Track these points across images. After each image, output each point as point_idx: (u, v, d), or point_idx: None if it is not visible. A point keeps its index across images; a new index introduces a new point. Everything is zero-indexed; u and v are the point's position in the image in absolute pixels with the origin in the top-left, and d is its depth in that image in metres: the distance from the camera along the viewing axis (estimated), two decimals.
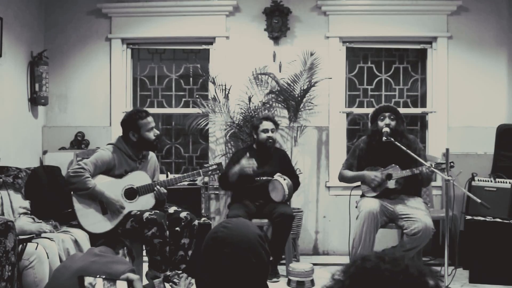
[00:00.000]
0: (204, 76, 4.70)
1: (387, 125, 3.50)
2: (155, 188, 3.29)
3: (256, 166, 3.80)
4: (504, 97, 4.63)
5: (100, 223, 3.18)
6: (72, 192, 3.18)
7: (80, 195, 3.16)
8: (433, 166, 3.31)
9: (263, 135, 3.97)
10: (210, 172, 3.48)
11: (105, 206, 3.20)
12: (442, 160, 3.58)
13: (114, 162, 3.27)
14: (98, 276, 1.82)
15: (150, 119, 3.35)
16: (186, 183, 4.20)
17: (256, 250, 1.37)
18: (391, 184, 3.50)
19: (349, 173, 3.72)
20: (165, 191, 3.32)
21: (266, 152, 4.01)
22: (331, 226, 4.67)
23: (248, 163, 3.79)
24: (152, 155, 3.53)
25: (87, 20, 4.74)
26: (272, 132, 3.99)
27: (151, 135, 3.33)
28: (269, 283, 3.71)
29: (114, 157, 3.28)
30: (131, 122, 3.34)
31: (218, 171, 3.51)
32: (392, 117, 3.54)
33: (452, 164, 3.26)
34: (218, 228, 1.39)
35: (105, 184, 3.21)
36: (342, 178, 3.79)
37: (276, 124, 4.06)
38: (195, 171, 3.46)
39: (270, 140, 3.97)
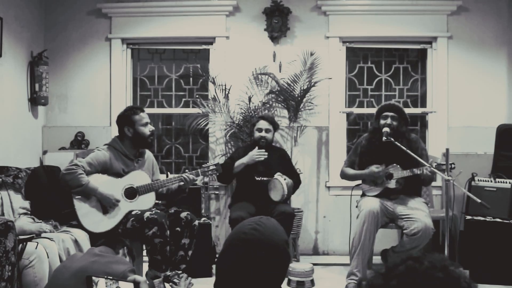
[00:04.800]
0: (204, 76, 4.70)
1: (388, 125, 3.49)
2: (182, 176, 3.36)
3: (266, 155, 3.84)
4: (504, 97, 4.63)
5: (101, 222, 3.18)
6: (72, 193, 3.18)
7: (77, 193, 3.16)
8: (434, 166, 3.30)
9: (257, 134, 3.98)
10: (209, 172, 3.49)
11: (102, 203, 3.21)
12: (442, 160, 3.58)
13: (111, 162, 3.28)
14: (105, 277, 1.83)
15: (144, 115, 3.39)
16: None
17: (282, 257, 1.35)
18: (391, 184, 3.50)
19: (351, 171, 3.72)
20: (195, 178, 3.42)
21: (265, 152, 4.00)
22: (331, 226, 4.67)
23: (258, 152, 3.82)
24: (148, 154, 3.54)
25: (87, 20, 4.75)
26: (267, 132, 3.97)
27: (146, 130, 3.36)
28: None
29: (111, 157, 3.29)
30: (125, 117, 3.38)
31: (216, 172, 3.52)
32: (394, 117, 3.52)
33: (453, 165, 3.25)
34: (249, 230, 1.34)
35: (104, 183, 3.22)
36: (344, 175, 3.78)
37: (273, 124, 4.04)
38: (193, 171, 3.46)
39: (263, 140, 3.96)
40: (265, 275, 1.32)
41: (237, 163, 3.88)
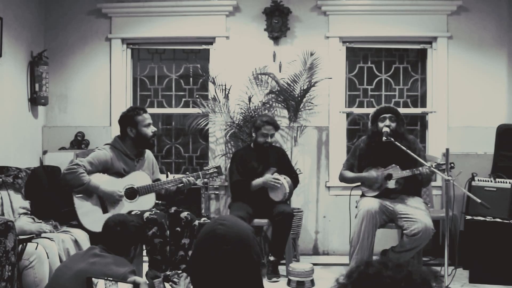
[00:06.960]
0: (204, 76, 4.70)
1: (388, 127, 3.50)
2: (183, 179, 3.36)
3: (279, 186, 3.83)
4: (504, 97, 4.63)
5: (100, 222, 3.15)
6: (73, 191, 3.19)
7: (78, 192, 3.17)
8: (433, 166, 3.31)
9: (261, 139, 3.97)
10: (209, 175, 3.51)
11: (105, 203, 3.21)
12: (442, 160, 3.58)
13: (111, 162, 3.29)
14: (105, 278, 1.84)
15: (147, 115, 3.41)
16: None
17: (254, 247, 1.36)
18: (391, 184, 3.50)
19: (349, 174, 3.73)
20: (194, 181, 3.41)
21: (265, 152, 4.01)
22: (331, 226, 4.67)
23: (274, 180, 3.81)
24: (148, 153, 3.56)
25: (87, 20, 4.74)
26: (271, 137, 3.99)
27: (149, 131, 3.38)
28: (269, 283, 3.69)
29: (112, 157, 3.30)
30: (128, 118, 3.39)
31: (217, 174, 3.53)
32: (392, 118, 3.54)
33: (452, 165, 3.25)
34: (215, 226, 1.35)
35: (105, 183, 3.23)
36: (342, 178, 3.80)
37: (277, 127, 4.05)
38: (194, 173, 3.47)
39: (266, 145, 3.99)
40: (242, 266, 1.32)
41: (253, 185, 3.87)
